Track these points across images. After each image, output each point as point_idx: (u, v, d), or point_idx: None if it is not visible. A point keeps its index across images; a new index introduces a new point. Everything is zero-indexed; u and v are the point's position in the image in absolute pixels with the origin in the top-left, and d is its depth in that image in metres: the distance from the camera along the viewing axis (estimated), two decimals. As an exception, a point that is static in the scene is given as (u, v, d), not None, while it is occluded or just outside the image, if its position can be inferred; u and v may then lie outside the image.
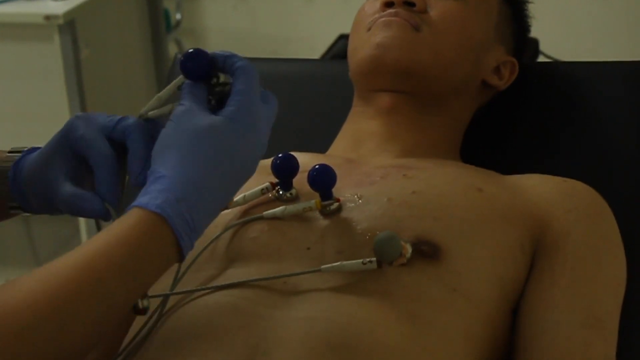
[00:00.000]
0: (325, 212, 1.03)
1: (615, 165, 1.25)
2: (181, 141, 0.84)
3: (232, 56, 0.89)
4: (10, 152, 0.98)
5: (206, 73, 0.89)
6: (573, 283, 1.02)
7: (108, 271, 0.78)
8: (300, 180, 1.05)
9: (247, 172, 0.88)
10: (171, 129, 0.85)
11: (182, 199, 0.81)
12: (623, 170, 1.24)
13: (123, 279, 0.80)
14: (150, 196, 0.81)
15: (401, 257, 0.96)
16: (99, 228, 0.84)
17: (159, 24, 2.96)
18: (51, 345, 0.76)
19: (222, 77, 0.90)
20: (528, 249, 1.05)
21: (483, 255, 1.01)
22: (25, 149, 0.97)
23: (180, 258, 0.83)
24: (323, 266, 0.96)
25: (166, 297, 0.97)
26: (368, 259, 0.95)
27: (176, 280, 0.98)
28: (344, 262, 0.96)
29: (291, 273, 0.97)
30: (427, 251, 0.99)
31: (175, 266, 0.94)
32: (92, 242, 0.80)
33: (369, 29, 1.20)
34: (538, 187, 1.11)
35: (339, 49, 2.65)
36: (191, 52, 0.90)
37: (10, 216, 0.99)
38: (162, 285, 0.96)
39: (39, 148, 0.96)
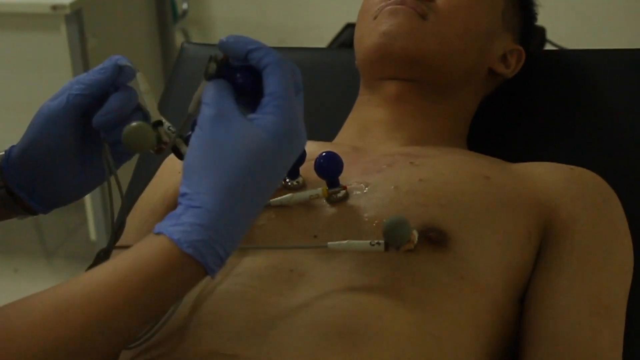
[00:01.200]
0: (332, 200, 1.03)
1: (623, 153, 1.25)
2: (217, 161, 0.77)
3: (258, 49, 0.82)
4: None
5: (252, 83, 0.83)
6: (580, 271, 1.02)
7: (125, 306, 0.75)
8: (307, 169, 1.06)
9: (281, 179, 0.83)
10: (204, 141, 0.78)
11: (218, 233, 0.76)
12: (630, 158, 1.24)
13: (140, 313, 0.76)
14: (182, 229, 0.75)
15: (409, 243, 0.96)
16: (112, 215, 0.83)
17: (166, 14, 2.96)
18: None
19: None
20: (535, 237, 1.05)
21: (490, 243, 1.02)
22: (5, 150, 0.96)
23: (211, 276, 0.78)
24: (330, 243, 0.96)
25: None
26: (376, 241, 0.95)
27: None
28: (352, 241, 0.96)
29: (298, 245, 0.98)
30: (434, 238, 0.99)
31: None
32: (113, 268, 0.76)
33: (376, 17, 1.19)
34: (545, 175, 1.11)
35: (345, 37, 2.64)
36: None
37: (8, 217, 0.98)
38: None
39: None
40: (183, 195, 0.78)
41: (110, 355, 0.80)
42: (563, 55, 1.44)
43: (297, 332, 0.90)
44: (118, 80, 0.92)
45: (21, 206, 0.96)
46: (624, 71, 1.30)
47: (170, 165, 1.16)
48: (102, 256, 0.93)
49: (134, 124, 0.88)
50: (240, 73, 0.83)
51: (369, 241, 0.95)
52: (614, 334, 1.01)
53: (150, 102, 0.92)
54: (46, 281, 2.63)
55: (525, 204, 1.06)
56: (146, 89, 0.92)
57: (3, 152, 0.96)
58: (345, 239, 0.98)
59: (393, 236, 0.95)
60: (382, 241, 0.95)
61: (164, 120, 0.90)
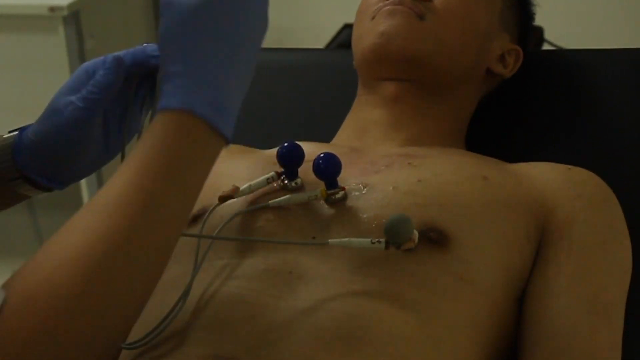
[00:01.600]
0: (331, 201, 1.03)
1: (621, 152, 1.25)
2: (178, 28, 0.80)
3: None
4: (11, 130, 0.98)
5: None
6: (579, 270, 1.02)
7: (155, 183, 0.76)
8: (305, 170, 1.06)
9: (252, 42, 0.83)
10: (165, 18, 0.81)
11: (199, 83, 0.78)
12: (628, 157, 1.24)
13: (173, 185, 0.77)
14: (168, 96, 0.78)
15: (410, 242, 0.96)
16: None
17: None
18: (122, 282, 0.74)
19: None
20: (533, 237, 1.05)
21: (489, 244, 1.01)
22: (16, 129, 0.97)
23: (226, 140, 0.80)
24: (330, 240, 0.96)
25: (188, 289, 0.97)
26: (377, 239, 0.95)
27: (194, 272, 0.98)
28: (352, 239, 0.96)
29: (300, 242, 0.98)
30: (434, 238, 0.99)
31: (191, 259, 0.97)
32: (129, 163, 0.77)
33: (373, 18, 1.19)
34: (543, 175, 1.11)
35: (343, 38, 2.64)
36: None
37: (19, 199, 0.99)
38: (183, 277, 0.97)
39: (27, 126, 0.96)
40: (161, 73, 0.80)
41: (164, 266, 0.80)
42: (561, 55, 1.44)
43: (296, 335, 0.90)
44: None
45: (33, 185, 0.97)
46: (621, 71, 1.30)
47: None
48: None
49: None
50: None
51: (369, 239, 0.95)
52: (613, 333, 1.00)
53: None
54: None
55: (523, 204, 1.06)
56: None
57: (12, 134, 0.97)
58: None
59: (395, 233, 0.94)
60: (382, 239, 0.95)
61: None
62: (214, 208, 1.03)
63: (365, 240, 0.95)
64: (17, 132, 0.97)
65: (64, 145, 0.94)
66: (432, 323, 0.94)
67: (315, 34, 2.98)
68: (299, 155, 1.06)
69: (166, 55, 0.80)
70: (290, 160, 1.06)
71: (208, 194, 0.97)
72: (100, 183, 2.54)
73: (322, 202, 1.03)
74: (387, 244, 0.94)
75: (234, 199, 1.05)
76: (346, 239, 0.96)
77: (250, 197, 1.05)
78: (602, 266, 1.04)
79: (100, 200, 0.76)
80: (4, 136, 0.98)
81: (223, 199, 1.04)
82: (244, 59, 0.82)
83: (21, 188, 0.98)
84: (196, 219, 1.05)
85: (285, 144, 1.06)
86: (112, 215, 0.75)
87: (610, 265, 1.04)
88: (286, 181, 1.06)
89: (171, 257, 1.05)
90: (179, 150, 0.77)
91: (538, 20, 1.36)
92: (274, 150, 1.07)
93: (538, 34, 2.41)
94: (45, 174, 0.96)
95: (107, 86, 0.92)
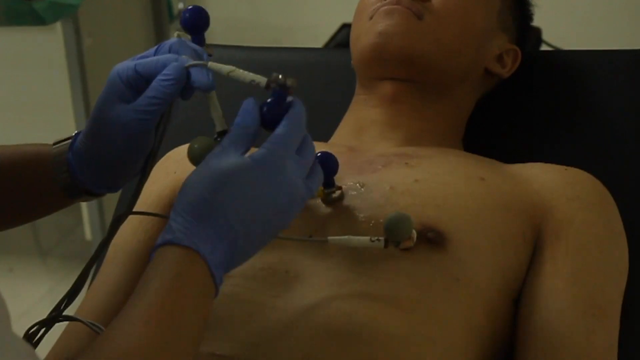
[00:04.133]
0: (328, 200, 1.03)
1: (618, 153, 1.25)
2: (207, 183, 0.82)
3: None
4: (55, 143, 0.99)
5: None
6: (575, 271, 1.02)
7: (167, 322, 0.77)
8: (302, 169, 1.06)
9: (279, 214, 0.84)
10: (200, 169, 0.84)
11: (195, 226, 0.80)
12: (625, 158, 1.24)
13: (183, 326, 0.78)
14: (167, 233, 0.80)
15: (409, 241, 0.96)
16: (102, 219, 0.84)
17: (162, 13, 2.96)
18: None
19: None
20: (530, 238, 1.05)
21: (485, 244, 1.01)
22: (71, 137, 0.98)
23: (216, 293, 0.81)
24: (330, 237, 0.96)
25: None
26: (376, 237, 0.95)
27: None
28: (352, 237, 0.95)
29: (299, 238, 0.98)
30: (432, 238, 0.99)
31: None
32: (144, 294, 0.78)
33: (371, 17, 1.19)
34: (540, 176, 1.11)
35: (342, 37, 2.64)
36: None
37: (68, 204, 1.01)
38: None
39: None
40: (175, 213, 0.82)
41: None
42: (559, 55, 1.44)
43: (293, 334, 0.90)
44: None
45: (87, 193, 0.99)
46: (619, 72, 1.30)
47: (165, 166, 1.16)
48: (117, 221, 0.95)
49: (197, 144, 0.89)
50: (267, 106, 0.87)
51: (368, 237, 0.95)
52: (609, 334, 1.00)
53: (216, 110, 0.92)
54: (41, 281, 2.62)
55: (520, 205, 1.06)
56: (212, 98, 0.93)
57: (61, 144, 0.98)
58: (342, 239, 0.98)
59: (395, 232, 0.94)
60: (382, 238, 0.95)
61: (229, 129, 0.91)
62: None
63: (364, 239, 0.95)
64: (66, 143, 0.97)
65: (123, 154, 0.94)
66: (428, 323, 0.94)
67: (313, 33, 2.98)
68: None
69: (187, 201, 0.81)
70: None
71: None
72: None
73: (319, 201, 1.03)
74: (387, 242, 0.94)
75: None
76: (346, 237, 0.96)
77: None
78: (599, 267, 1.03)
79: (129, 319, 0.77)
80: (54, 148, 0.98)
81: None
82: (262, 228, 0.83)
83: (77, 198, 0.99)
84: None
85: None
86: (143, 335, 0.76)
87: (606, 266, 1.04)
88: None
89: None
90: (178, 284, 0.78)
91: (536, 21, 1.36)
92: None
93: (536, 34, 2.41)
94: (103, 183, 0.98)
95: (171, 96, 0.91)
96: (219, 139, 0.91)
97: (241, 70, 0.90)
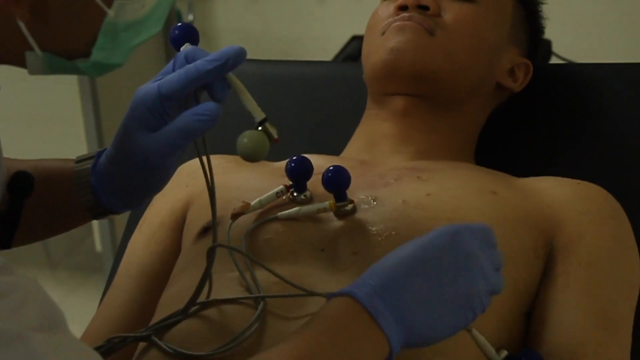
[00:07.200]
0: (340, 214, 1.03)
1: (630, 167, 1.24)
2: (399, 266, 0.83)
3: None
4: (77, 161, 0.99)
5: None
6: (587, 285, 1.02)
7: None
8: (314, 183, 1.06)
9: (466, 299, 0.86)
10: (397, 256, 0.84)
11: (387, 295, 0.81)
12: (637, 172, 1.24)
13: None
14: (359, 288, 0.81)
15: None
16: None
17: (172, 24, 2.96)
18: None
19: None
20: (541, 252, 1.05)
21: (497, 258, 1.01)
22: (94, 154, 0.99)
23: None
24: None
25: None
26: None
27: (200, 287, 0.98)
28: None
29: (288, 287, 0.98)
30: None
31: (199, 271, 0.97)
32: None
33: (383, 33, 1.19)
34: (551, 190, 1.10)
35: (351, 50, 2.64)
36: None
37: (87, 220, 1.02)
38: (192, 289, 0.97)
39: (104, 150, 0.97)
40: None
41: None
42: (570, 68, 1.44)
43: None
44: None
45: (109, 212, 0.99)
46: (631, 85, 1.30)
47: (178, 179, 1.16)
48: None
49: (246, 138, 0.90)
50: None
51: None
52: (621, 348, 1.00)
53: (249, 101, 0.92)
54: (51, 292, 2.60)
55: (531, 219, 1.06)
56: (241, 89, 0.93)
57: (86, 162, 0.98)
58: (353, 252, 0.98)
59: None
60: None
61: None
62: (230, 226, 1.03)
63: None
64: (88, 162, 0.98)
65: (148, 180, 0.94)
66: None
67: (323, 46, 2.98)
68: (308, 168, 1.06)
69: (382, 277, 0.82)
70: (299, 173, 1.06)
71: (217, 206, 0.97)
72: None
73: (331, 214, 1.03)
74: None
75: (245, 214, 1.05)
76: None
77: (260, 211, 1.06)
78: (611, 281, 1.03)
79: None
80: (76, 166, 0.98)
81: (235, 216, 1.04)
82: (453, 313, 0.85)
83: (101, 217, 1.00)
84: (206, 230, 1.05)
85: (294, 158, 1.06)
86: None
87: (618, 280, 1.04)
88: (295, 194, 1.06)
89: (182, 269, 1.06)
90: (345, 338, 0.80)
91: (546, 34, 1.36)
92: (283, 163, 1.07)
93: (546, 47, 2.40)
94: (127, 204, 0.98)
95: (202, 132, 0.91)
96: (260, 129, 0.90)
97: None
